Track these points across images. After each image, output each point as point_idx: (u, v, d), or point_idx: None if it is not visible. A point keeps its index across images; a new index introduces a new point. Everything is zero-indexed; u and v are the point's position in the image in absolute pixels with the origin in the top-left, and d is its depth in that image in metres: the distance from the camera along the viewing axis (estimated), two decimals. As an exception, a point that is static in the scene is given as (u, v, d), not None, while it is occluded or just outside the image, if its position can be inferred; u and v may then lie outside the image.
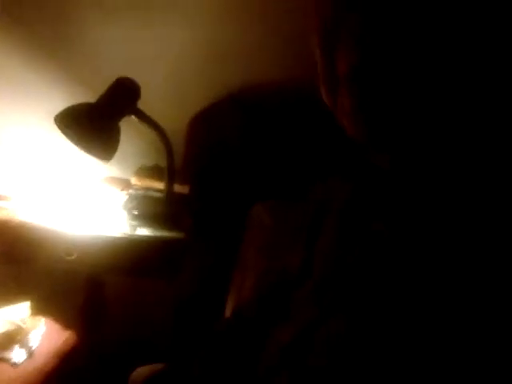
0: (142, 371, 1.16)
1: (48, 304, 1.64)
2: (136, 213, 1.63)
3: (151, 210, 1.64)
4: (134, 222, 1.62)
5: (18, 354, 1.48)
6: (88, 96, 1.56)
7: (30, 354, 1.50)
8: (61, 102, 1.54)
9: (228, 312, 1.41)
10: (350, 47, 0.69)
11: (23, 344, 1.51)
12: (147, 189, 1.71)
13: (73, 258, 1.59)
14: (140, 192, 1.71)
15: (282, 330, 0.89)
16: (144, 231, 1.60)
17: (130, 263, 1.60)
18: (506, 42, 0.68)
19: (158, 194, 1.68)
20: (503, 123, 0.74)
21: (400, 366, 0.69)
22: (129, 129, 1.64)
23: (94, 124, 1.46)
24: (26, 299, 1.62)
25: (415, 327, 0.69)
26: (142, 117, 1.54)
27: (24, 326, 1.54)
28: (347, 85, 0.70)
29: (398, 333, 0.70)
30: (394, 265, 0.74)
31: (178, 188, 1.67)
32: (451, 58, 0.68)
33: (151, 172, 1.75)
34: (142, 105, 1.55)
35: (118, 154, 1.54)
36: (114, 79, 1.52)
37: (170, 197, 1.63)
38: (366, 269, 0.77)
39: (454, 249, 0.70)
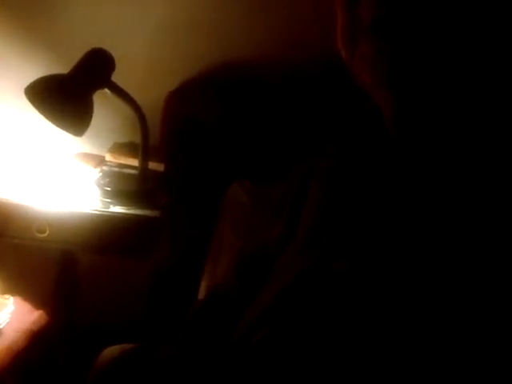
0: (110, 351, 1.14)
1: (18, 282, 1.62)
2: (109, 189, 1.60)
3: (125, 187, 1.61)
4: (107, 199, 1.59)
5: (-15, 333, 1.46)
6: (61, 68, 1.51)
7: (-1, 332, 1.48)
8: (33, 73, 1.49)
9: (203, 290, 1.40)
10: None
11: (-9, 323, 1.48)
12: (122, 166, 1.68)
13: (45, 235, 1.56)
14: (114, 169, 1.68)
15: (263, 293, 0.88)
16: (118, 208, 1.57)
17: (104, 241, 1.57)
18: None
19: (133, 171, 1.64)
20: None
21: (392, 322, 0.70)
22: (104, 104, 1.60)
23: (65, 96, 1.42)
24: (-6, 277, 1.60)
25: (404, 285, 0.70)
26: (116, 90, 1.50)
27: (-8, 305, 1.52)
28: (370, 35, 0.73)
29: (383, 289, 0.71)
30: (383, 222, 0.76)
31: (153, 165, 1.64)
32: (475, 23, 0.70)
33: (126, 149, 1.71)
34: (116, 79, 1.51)
35: (92, 130, 1.51)
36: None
37: (144, 174, 1.60)
38: (353, 227, 0.78)
39: (444, 210, 0.71)
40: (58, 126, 1.45)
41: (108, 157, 1.70)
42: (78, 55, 1.48)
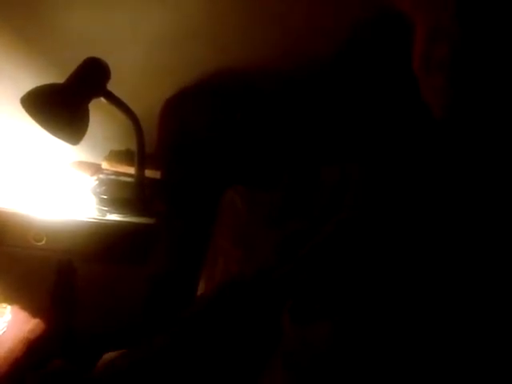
0: (108, 357, 1.14)
1: (15, 291, 1.61)
2: (106, 197, 1.61)
3: (121, 194, 1.62)
4: (104, 207, 1.59)
5: (-18, 342, 1.45)
6: (57, 77, 1.52)
7: (-4, 341, 1.47)
8: (29, 83, 1.50)
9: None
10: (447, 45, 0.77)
11: (-12, 332, 1.48)
12: (118, 173, 1.69)
13: (42, 243, 1.57)
14: (110, 177, 1.69)
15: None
16: (114, 216, 1.58)
17: (101, 249, 1.58)
18: None
19: (129, 179, 1.65)
20: None
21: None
22: (101, 112, 1.61)
23: (61, 105, 1.42)
24: (-8, 286, 1.59)
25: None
26: (112, 99, 1.50)
27: (-11, 314, 1.52)
28: (441, 68, 0.78)
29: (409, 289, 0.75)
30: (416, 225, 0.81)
31: (149, 173, 1.65)
32: None
33: (122, 156, 1.72)
34: (112, 87, 1.52)
35: (88, 138, 1.51)
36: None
37: (140, 182, 1.60)
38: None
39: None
40: (54, 135, 1.45)
41: (104, 165, 1.71)
42: (73, 64, 1.48)
